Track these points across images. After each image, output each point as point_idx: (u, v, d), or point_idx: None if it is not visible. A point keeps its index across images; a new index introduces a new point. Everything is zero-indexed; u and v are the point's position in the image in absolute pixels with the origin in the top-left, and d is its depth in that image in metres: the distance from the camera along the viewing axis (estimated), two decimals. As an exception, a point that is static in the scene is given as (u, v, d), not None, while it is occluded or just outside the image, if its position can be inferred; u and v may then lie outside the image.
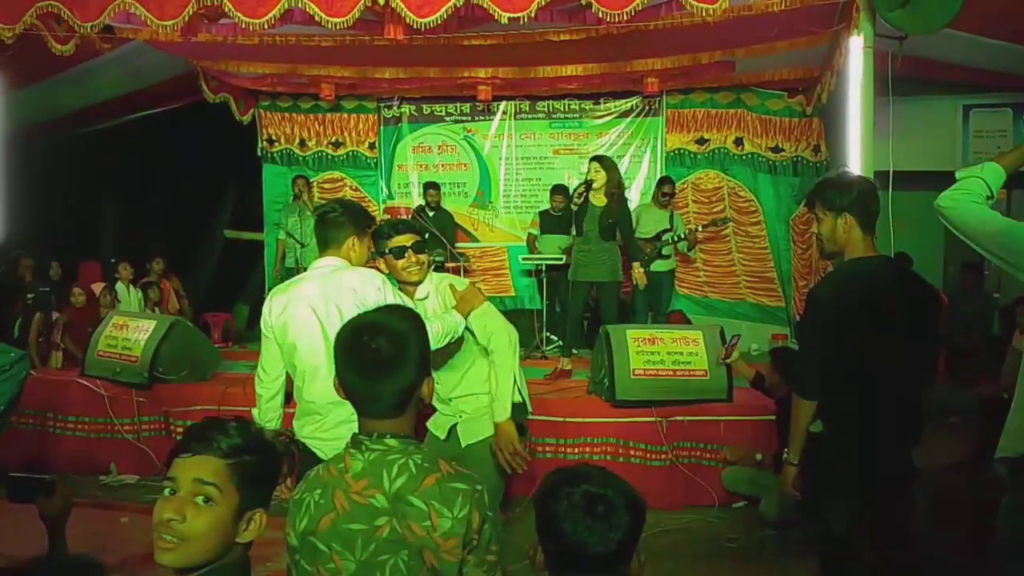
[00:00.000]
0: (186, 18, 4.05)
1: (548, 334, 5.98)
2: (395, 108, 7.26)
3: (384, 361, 1.34)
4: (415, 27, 3.94)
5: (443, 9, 3.87)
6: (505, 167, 7.20)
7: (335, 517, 1.32)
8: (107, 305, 6.21)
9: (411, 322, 1.41)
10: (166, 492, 1.19)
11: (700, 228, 6.40)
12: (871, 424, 2.11)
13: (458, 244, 6.75)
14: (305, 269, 5.86)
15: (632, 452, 4.04)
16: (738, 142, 6.83)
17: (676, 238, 6.00)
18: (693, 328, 4.84)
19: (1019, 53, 4.68)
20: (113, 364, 4.67)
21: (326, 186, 7.32)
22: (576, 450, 4.08)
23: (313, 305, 2.31)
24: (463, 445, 2.53)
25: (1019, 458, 1.78)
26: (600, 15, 3.88)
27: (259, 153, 7.40)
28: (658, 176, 6.77)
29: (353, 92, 6.97)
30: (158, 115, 7.32)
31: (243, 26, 4.10)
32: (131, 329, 4.79)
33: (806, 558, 2.71)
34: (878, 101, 3.84)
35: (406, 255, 2.47)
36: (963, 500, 3.05)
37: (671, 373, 4.09)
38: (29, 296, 6.53)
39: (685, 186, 6.80)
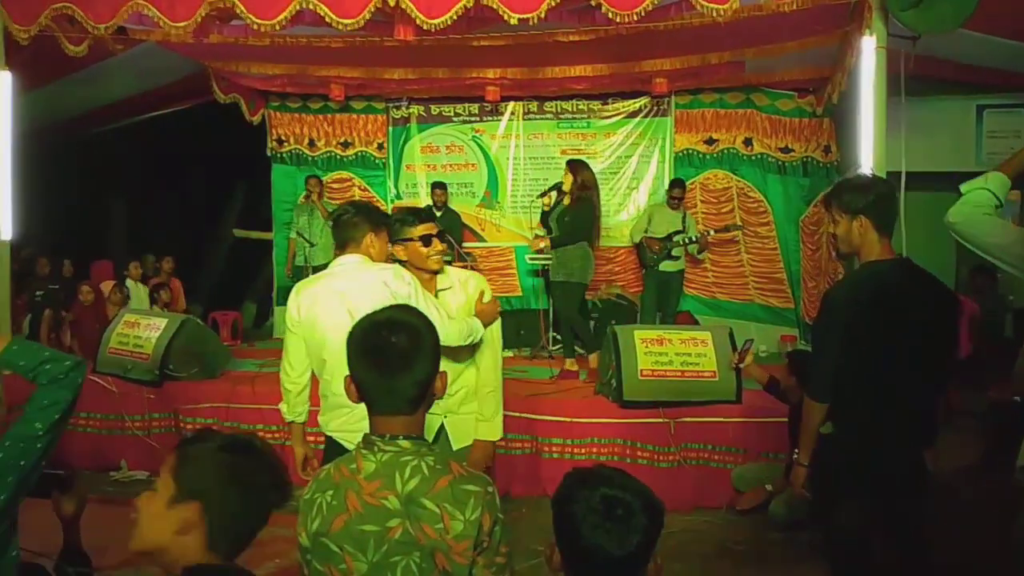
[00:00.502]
0: (198, 20, 4.08)
1: (554, 334, 5.98)
2: (404, 108, 7.27)
3: (405, 354, 1.36)
4: (425, 28, 3.95)
5: (453, 10, 3.87)
6: (513, 167, 7.19)
7: (347, 518, 1.32)
8: (117, 303, 6.25)
9: (422, 318, 1.45)
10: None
11: (712, 233, 6.38)
12: (886, 427, 2.09)
13: (465, 244, 6.75)
14: (313, 268, 5.98)
15: (639, 453, 4.03)
16: (747, 142, 6.79)
17: (687, 240, 5.98)
18: (702, 329, 4.83)
19: (1033, 53, 4.63)
20: (124, 361, 4.71)
21: (335, 186, 7.33)
22: (583, 450, 4.08)
23: (343, 299, 2.29)
24: (454, 448, 2.52)
25: None
26: (610, 15, 3.87)
27: (268, 153, 7.42)
28: (666, 176, 6.76)
29: (362, 93, 6.98)
30: (169, 115, 7.38)
31: (254, 27, 4.12)
32: (142, 327, 4.84)
33: (814, 562, 2.70)
34: (890, 101, 3.81)
35: (433, 243, 2.48)
36: (975, 503, 3.03)
37: (679, 374, 4.08)
38: (39, 293, 6.59)
39: (694, 186, 6.76)
